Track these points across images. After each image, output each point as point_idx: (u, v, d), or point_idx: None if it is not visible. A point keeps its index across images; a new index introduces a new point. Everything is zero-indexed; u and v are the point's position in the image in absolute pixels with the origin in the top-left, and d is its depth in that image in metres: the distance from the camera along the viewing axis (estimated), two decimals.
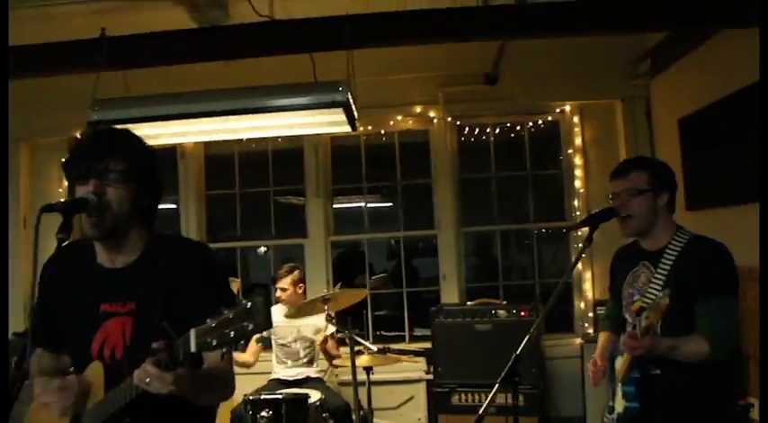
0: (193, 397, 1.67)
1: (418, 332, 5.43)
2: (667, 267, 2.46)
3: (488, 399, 2.28)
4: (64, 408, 1.70)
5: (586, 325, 5.03)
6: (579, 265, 5.20)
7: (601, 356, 2.75)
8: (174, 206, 5.60)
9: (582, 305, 5.18)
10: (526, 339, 2.38)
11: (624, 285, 2.64)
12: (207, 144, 5.54)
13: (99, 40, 3.63)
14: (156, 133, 3.91)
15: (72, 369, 1.92)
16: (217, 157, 5.65)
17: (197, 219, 5.50)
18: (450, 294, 5.30)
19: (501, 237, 5.52)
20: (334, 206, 5.58)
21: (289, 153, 5.56)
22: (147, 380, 1.50)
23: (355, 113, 3.83)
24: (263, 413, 3.52)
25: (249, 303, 1.39)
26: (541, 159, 5.54)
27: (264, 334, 4.11)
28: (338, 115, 3.70)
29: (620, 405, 2.53)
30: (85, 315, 1.83)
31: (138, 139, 1.86)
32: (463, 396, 4.57)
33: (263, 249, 5.87)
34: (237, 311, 1.40)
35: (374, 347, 4.03)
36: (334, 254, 5.58)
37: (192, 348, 1.44)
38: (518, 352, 2.34)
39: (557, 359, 4.98)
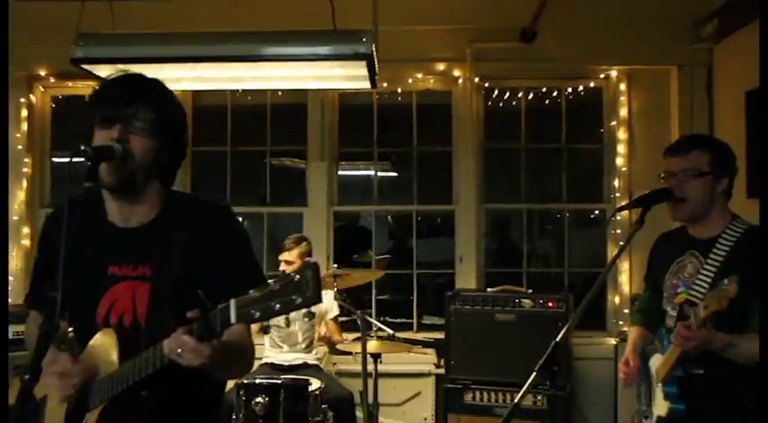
0: (218, 370, 1.76)
1: (428, 320, 5.55)
2: (720, 259, 2.55)
3: (524, 389, 2.37)
4: (64, 396, 1.80)
5: (621, 323, 5.16)
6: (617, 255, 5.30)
7: (633, 354, 2.86)
8: None
9: (617, 300, 5.30)
10: (567, 326, 2.47)
11: (667, 275, 2.74)
12: (195, 93, 5.58)
13: None
14: (176, 76, 3.97)
15: (71, 336, 2.01)
16: (207, 108, 5.69)
17: (181, 177, 5.53)
18: (466, 279, 5.41)
19: (527, 217, 5.61)
20: (339, 172, 5.67)
21: (290, 109, 5.63)
22: (180, 350, 1.58)
23: (377, 69, 3.90)
24: (259, 399, 3.63)
25: (298, 276, 1.46)
26: (579, 132, 5.62)
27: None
28: (358, 69, 3.79)
29: (661, 408, 2.63)
30: (91, 277, 1.91)
31: (168, 90, 1.96)
32: (478, 394, 4.69)
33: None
34: (285, 283, 1.47)
35: (389, 330, 4.15)
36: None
37: (233, 319, 1.52)
38: (558, 339, 2.43)
39: (586, 360, 5.10)
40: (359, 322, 3.91)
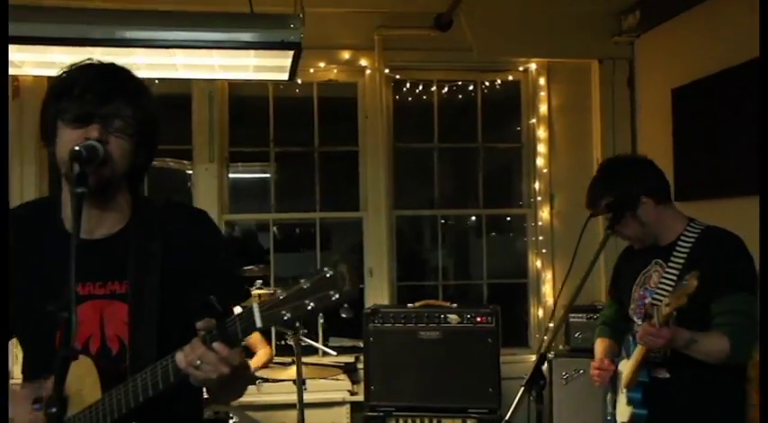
0: (228, 386, 1.83)
1: (335, 342, 5.64)
2: (680, 261, 2.88)
3: (513, 405, 2.55)
4: None
5: (545, 338, 5.45)
6: (538, 264, 5.65)
7: (602, 357, 3.18)
8: None
9: (540, 313, 5.63)
10: (549, 335, 2.69)
11: (634, 287, 3.07)
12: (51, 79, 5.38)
13: None
14: (19, 60, 3.85)
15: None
16: None
17: (36, 184, 5.34)
18: (377, 295, 5.55)
19: (439, 225, 5.84)
20: (231, 175, 5.68)
21: (171, 101, 5.55)
22: (199, 362, 1.63)
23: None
24: None
25: (330, 271, 1.55)
26: (496, 129, 5.92)
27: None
28: (279, 59, 3.85)
29: (623, 413, 2.93)
30: (50, 296, 1.89)
31: (144, 84, 1.97)
32: (402, 421, 4.85)
33: None
34: (316, 280, 1.54)
35: (333, 352, 4.22)
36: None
37: (258, 324, 1.58)
38: (542, 350, 2.64)
39: (512, 379, 5.35)
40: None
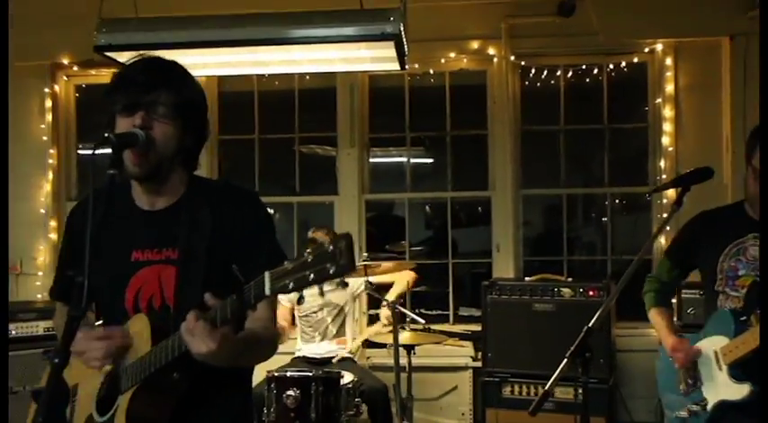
0: (234, 362, 1.85)
1: (464, 312, 5.62)
2: None
3: (555, 375, 2.46)
4: (101, 359, 1.90)
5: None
6: (662, 240, 5.32)
7: (677, 337, 2.98)
8: None
9: None
10: (600, 311, 2.55)
11: (722, 257, 2.82)
12: (221, 79, 5.71)
13: None
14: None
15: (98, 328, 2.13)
16: (232, 95, 5.82)
17: (207, 167, 5.69)
18: (503, 268, 5.46)
19: (567, 203, 5.64)
20: (371, 159, 5.75)
21: (318, 94, 5.72)
22: (191, 336, 1.68)
23: (406, 49, 3.97)
24: (290, 392, 3.75)
25: (331, 246, 1.54)
26: (622, 110, 5.61)
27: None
28: (386, 50, 3.85)
29: (734, 392, 2.70)
30: (116, 264, 2.01)
31: (187, 73, 2.04)
32: (517, 388, 4.76)
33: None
34: (318, 254, 1.53)
35: (422, 320, 4.23)
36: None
37: (267, 291, 1.58)
38: (590, 324, 2.51)
39: (630, 352, 5.13)
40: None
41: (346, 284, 4.55)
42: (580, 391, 4.55)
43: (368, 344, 5.04)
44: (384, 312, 4.66)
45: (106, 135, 1.80)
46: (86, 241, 1.71)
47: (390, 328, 4.26)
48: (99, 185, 2.11)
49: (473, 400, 5.23)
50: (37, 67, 5.59)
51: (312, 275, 1.53)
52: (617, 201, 5.64)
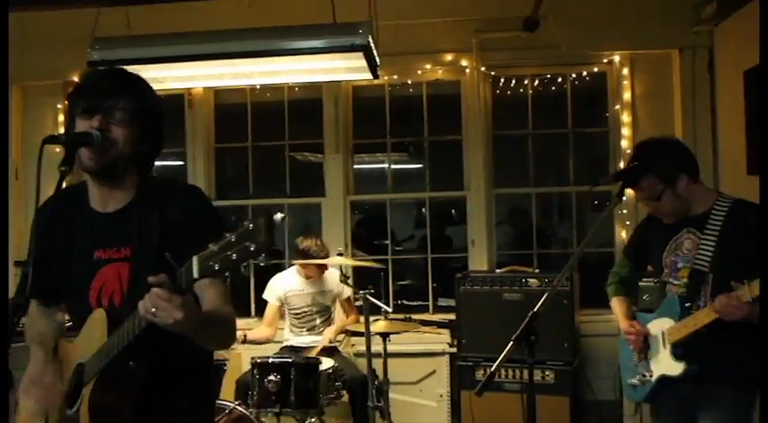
0: (196, 334, 1.78)
1: (443, 302, 5.57)
2: (716, 230, 2.70)
3: (501, 357, 2.44)
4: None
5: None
6: (623, 234, 5.27)
7: (631, 320, 3.03)
8: (181, 163, 5.75)
9: None
10: (544, 297, 2.56)
11: (665, 253, 2.88)
12: (217, 92, 5.69)
13: None
14: (161, 76, 4.09)
15: (68, 324, 2.10)
16: (228, 106, 5.79)
17: (205, 174, 5.67)
18: (478, 262, 5.42)
19: (538, 202, 5.59)
20: (356, 164, 5.71)
21: (306, 104, 5.68)
22: (153, 309, 1.61)
23: (377, 59, 3.94)
24: (271, 377, 3.71)
25: (251, 224, 1.50)
26: (585, 116, 5.58)
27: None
28: (358, 61, 3.82)
29: (672, 368, 2.78)
30: (80, 263, 1.98)
31: (147, 84, 2.02)
32: (488, 371, 4.69)
33: (279, 215, 6.02)
34: (239, 233, 1.51)
35: (389, 308, 4.19)
36: (354, 218, 5.73)
37: (195, 274, 1.56)
38: (535, 309, 2.52)
39: (593, 337, 5.08)
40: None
41: (347, 278, 4.51)
42: (547, 373, 4.59)
43: (351, 333, 4.99)
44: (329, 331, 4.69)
45: (57, 135, 1.77)
46: (32, 235, 1.66)
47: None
48: (62, 189, 2.11)
49: (450, 384, 5.17)
50: (52, 85, 5.55)
51: (235, 255, 1.51)
52: (576, 198, 5.57)
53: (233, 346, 4.16)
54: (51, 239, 2.02)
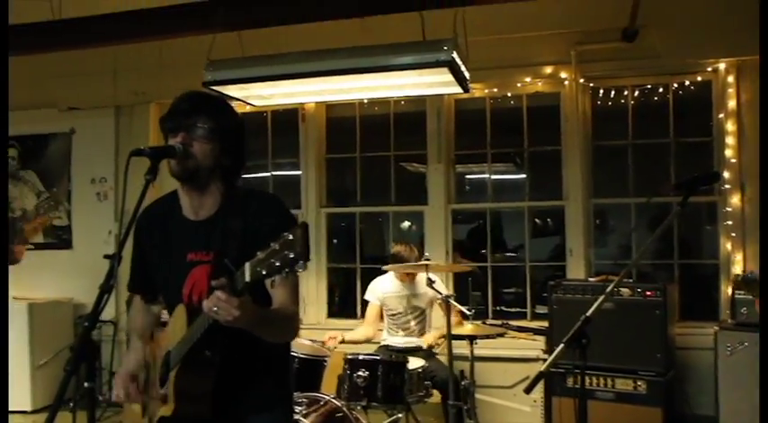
0: (256, 329, 1.95)
1: (541, 310, 5.52)
2: None
3: (550, 359, 2.43)
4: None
5: (727, 312, 4.86)
6: (728, 246, 5.03)
7: None
8: (295, 173, 6.05)
9: (729, 291, 4.98)
10: (598, 302, 2.51)
11: None
12: (328, 106, 5.95)
13: (216, 2, 4.08)
14: (269, 93, 4.35)
15: (165, 318, 2.33)
16: (338, 120, 6.04)
17: (317, 182, 5.94)
18: (576, 271, 5.33)
19: (637, 212, 5.42)
20: (459, 173, 5.78)
21: (411, 117, 5.83)
22: (215, 308, 1.77)
23: (466, 74, 4.01)
24: (360, 372, 3.85)
25: (290, 235, 1.64)
26: (688, 126, 5.34)
27: None
28: (447, 75, 3.90)
29: None
30: (176, 264, 2.18)
31: (227, 105, 2.21)
32: (579, 378, 4.61)
33: (407, 224, 6.17)
34: (281, 243, 1.64)
35: (467, 311, 4.23)
36: (459, 228, 5.80)
37: (247, 278, 1.71)
38: (588, 314, 2.47)
39: (692, 350, 4.87)
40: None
41: (433, 282, 4.60)
42: (639, 382, 4.45)
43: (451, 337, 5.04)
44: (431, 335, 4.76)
45: (141, 148, 1.97)
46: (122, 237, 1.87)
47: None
48: (159, 199, 2.34)
49: (545, 390, 5.10)
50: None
51: (278, 262, 1.63)
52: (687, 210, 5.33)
53: (333, 346, 4.40)
54: (151, 243, 2.25)
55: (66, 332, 6.14)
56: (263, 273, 1.68)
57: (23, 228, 4.02)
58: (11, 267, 4.02)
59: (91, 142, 6.39)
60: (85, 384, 1.87)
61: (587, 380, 4.59)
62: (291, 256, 1.63)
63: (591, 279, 4.93)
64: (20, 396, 5.73)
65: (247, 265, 1.72)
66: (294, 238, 1.63)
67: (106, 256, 1.83)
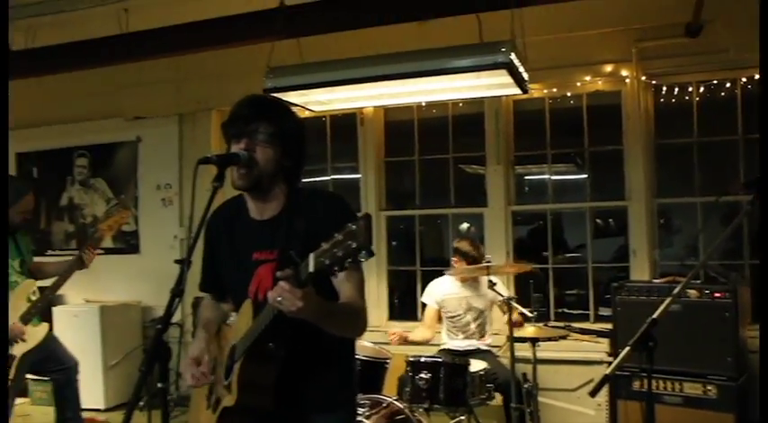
0: (321, 322, 1.98)
1: (604, 312, 5.43)
2: None
3: (616, 361, 2.39)
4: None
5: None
6: None
7: None
8: (355, 176, 6.12)
9: None
10: (666, 303, 2.45)
11: None
12: (387, 110, 5.99)
13: (276, 10, 4.17)
14: (328, 99, 4.41)
15: (232, 317, 2.39)
16: (397, 123, 6.07)
17: (376, 186, 5.99)
18: (640, 272, 5.23)
19: (704, 211, 5.28)
20: (519, 174, 5.75)
21: (469, 119, 5.81)
22: (279, 298, 1.82)
23: (524, 75, 3.98)
24: (422, 374, 3.87)
25: (354, 226, 1.67)
26: (758, 122, 5.18)
27: None
28: (505, 77, 3.88)
29: None
30: (242, 263, 2.25)
31: (287, 109, 2.26)
32: (646, 382, 4.51)
33: (465, 225, 6.18)
34: (345, 233, 1.68)
35: (529, 313, 4.19)
36: (517, 229, 5.75)
37: (311, 269, 1.75)
38: (655, 316, 2.43)
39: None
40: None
41: (494, 284, 4.58)
42: (708, 387, 4.33)
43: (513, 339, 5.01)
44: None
45: (208, 156, 2.04)
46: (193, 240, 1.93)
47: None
48: (226, 201, 2.41)
49: (609, 393, 5.02)
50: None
51: (341, 252, 1.67)
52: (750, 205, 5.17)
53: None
54: (220, 243, 2.33)
55: (135, 334, 6.37)
56: (327, 263, 1.71)
57: (95, 234, 4.18)
58: (83, 272, 4.16)
59: (156, 149, 6.61)
60: (158, 385, 1.93)
61: (654, 383, 4.50)
62: (354, 246, 1.65)
63: (656, 280, 4.81)
64: (94, 395, 5.95)
65: (311, 256, 1.76)
66: (357, 229, 1.66)
67: (177, 261, 1.89)
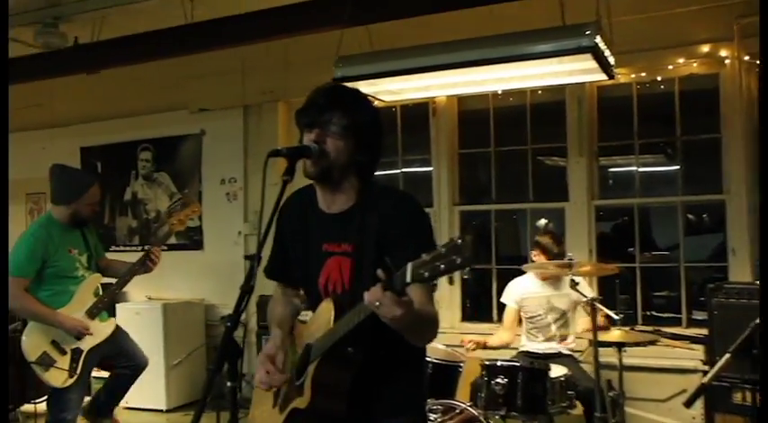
0: (406, 329, 2.00)
1: (698, 316, 5.31)
2: None
3: (715, 369, 2.35)
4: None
5: None
6: None
7: None
8: (427, 169, 6.14)
9: None
10: None
11: None
12: (460, 99, 5.99)
13: None
14: (399, 88, 4.46)
15: (303, 309, 2.46)
16: (471, 112, 6.07)
17: (449, 179, 6.00)
18: (740, 273, 5.08)
19: None
20: (603, 167, 5.67)
21: (549, 107, 5.76)
22: (378, 303, 1.85)
23: (611, 59, 3.93)
24: (498, 379, 3.87)
25: (460, 240, 1.69)
26: None
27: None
28: (590, 62, 3.84)
29: None
30: (312, 253, 2.32)
31: (364, 100, 2.30)
32: (749, 395, 4.39)
33: (543, 221, 6.15)
34: (449, 247, 1.70)
35: (614, 316, 4.13)
36: (605, 224, 5.67)
37: (408, 279, 1.77)
38: (758, 320, 2.36)
39: None
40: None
41: (577, 283, 4.54)
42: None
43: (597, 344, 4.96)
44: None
45: (279, 148, 2.10)
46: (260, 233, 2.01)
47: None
48: (297, 191, 2.48)
49: (705, 405, 4.90)
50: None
51: (443, 266, 1.70)
52: None
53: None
54: (291, 231, 2.40)
55: (198, 332, 6.53)
56: (426, 275, 1.74)
57: (166, 229, 4.35)
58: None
59: (220, 143, 6.79)
60: (228, 384, 2.01)
61: (756, 396, 4.37)
62: (459, 261, 1.68)
63: (758, 282, 4.67)
64: (155, 395, 6.17)
65: (409, 266, 1.78)
66: (464, 243, 1.68)
67: (247, 257, 1.96)
